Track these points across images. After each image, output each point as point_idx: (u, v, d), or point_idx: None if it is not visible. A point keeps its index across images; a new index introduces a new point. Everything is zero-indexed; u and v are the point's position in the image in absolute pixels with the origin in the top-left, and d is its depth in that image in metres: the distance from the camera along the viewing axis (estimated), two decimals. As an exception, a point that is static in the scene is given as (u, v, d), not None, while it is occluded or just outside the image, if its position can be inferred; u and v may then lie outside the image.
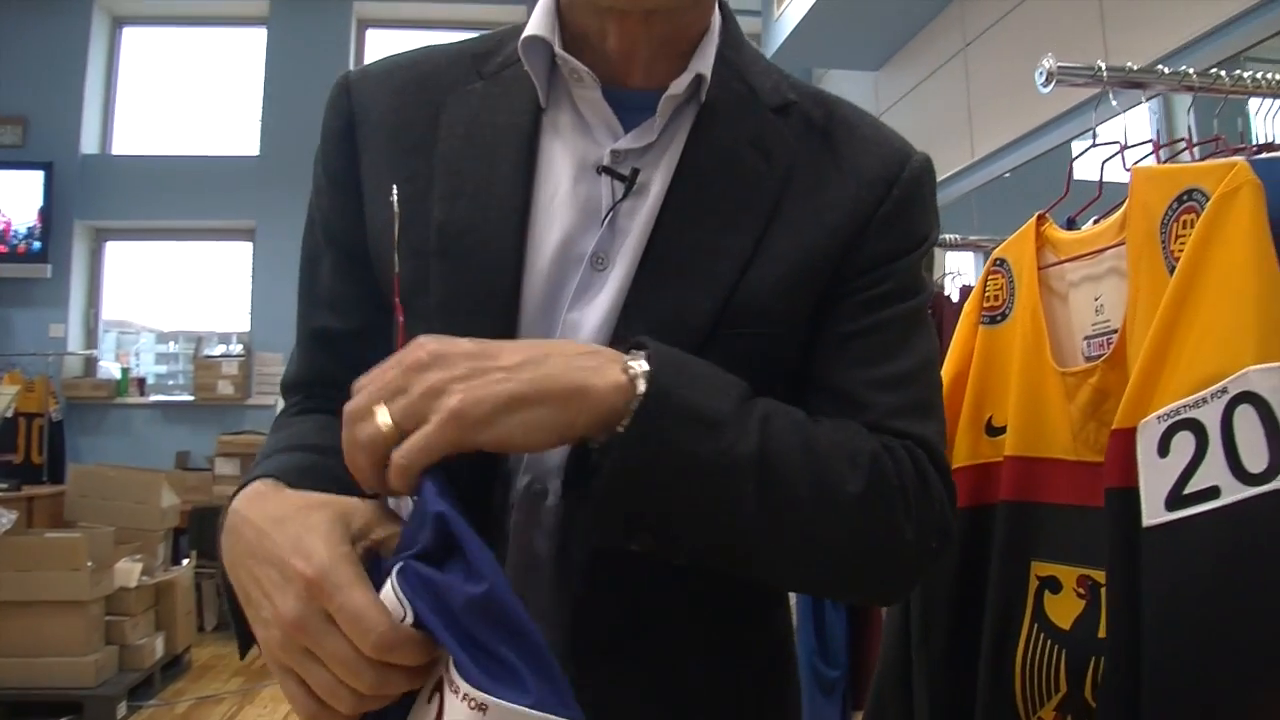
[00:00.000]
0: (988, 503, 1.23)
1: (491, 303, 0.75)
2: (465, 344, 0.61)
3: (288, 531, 0.59)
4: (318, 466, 0.71)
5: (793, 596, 1.63)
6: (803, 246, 0.77)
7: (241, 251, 6.30)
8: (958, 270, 3.17)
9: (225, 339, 6.40)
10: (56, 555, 3.66)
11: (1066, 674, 1.11)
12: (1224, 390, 0.90)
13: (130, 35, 6.57)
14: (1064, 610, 1.15)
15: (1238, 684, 0.86)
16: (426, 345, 0.61)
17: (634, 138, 0.78)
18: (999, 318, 1.29)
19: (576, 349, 0.64)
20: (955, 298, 2.50)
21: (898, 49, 5.85)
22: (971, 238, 2.95)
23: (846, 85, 6.69)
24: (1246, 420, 0.88)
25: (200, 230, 6.31)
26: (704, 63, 0.79)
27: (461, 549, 0.54)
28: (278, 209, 5.97)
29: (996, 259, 1.32)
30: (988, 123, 5.00)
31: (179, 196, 6.09)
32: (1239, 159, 1.00)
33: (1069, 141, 4.25)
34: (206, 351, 5.99)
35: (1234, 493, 0.87)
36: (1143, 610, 0.92)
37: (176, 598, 4.35)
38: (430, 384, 0.59)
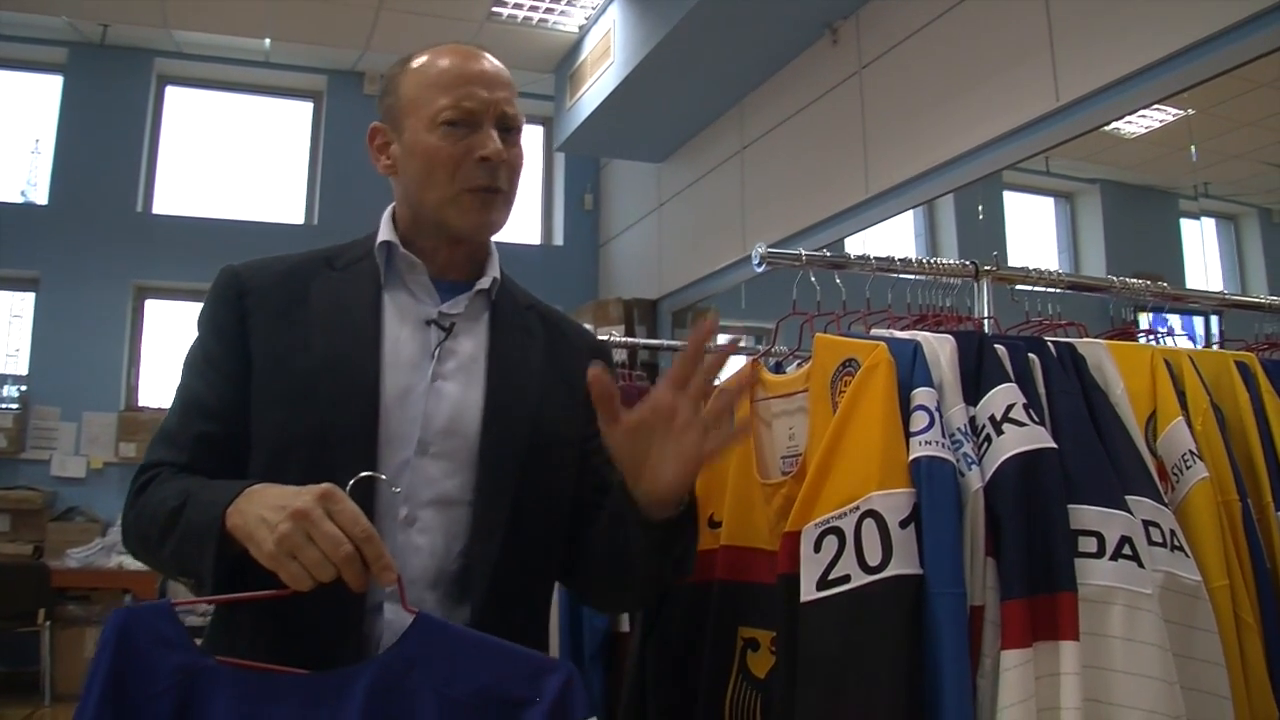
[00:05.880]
0: (707, 580, 1.58)
1: (362, 400, 1.17)
2: None
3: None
4: None
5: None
6: (563, 386, 1.30)
7: (23, 301, 6.00)
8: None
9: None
10: None
11: (762, 713, 1.43)
12: (857, 508, 1.27)
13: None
14: (761, 664, 1.47)
15: (849, 711, 1.22)
16: None
17: (449, 306, 1.28)
18: (723, 436, 1.65)
19: None
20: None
21: (680, 145, 6.16)
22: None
23: (631, 175, 7.03)
24: (869, 530, 1.25)
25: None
26: (495, 271, 1.33)
27: None
28: (65, 260, 5.80)
29: (721, 390, 1.69)
30: (760, 219, 5.44)
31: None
32: (881, 343, 1.40)
33: (841, 239, 4.72)
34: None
35: (859, 579, 1.24)
36: (797, 659, 1.28)
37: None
38: None
